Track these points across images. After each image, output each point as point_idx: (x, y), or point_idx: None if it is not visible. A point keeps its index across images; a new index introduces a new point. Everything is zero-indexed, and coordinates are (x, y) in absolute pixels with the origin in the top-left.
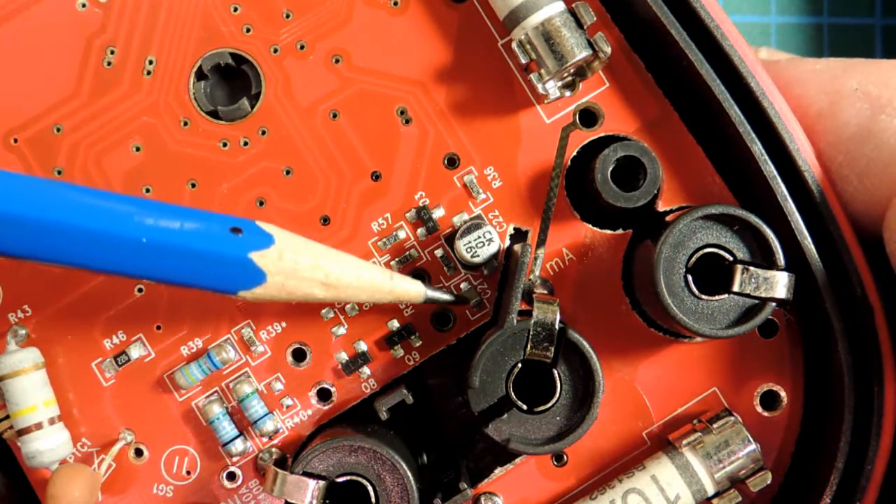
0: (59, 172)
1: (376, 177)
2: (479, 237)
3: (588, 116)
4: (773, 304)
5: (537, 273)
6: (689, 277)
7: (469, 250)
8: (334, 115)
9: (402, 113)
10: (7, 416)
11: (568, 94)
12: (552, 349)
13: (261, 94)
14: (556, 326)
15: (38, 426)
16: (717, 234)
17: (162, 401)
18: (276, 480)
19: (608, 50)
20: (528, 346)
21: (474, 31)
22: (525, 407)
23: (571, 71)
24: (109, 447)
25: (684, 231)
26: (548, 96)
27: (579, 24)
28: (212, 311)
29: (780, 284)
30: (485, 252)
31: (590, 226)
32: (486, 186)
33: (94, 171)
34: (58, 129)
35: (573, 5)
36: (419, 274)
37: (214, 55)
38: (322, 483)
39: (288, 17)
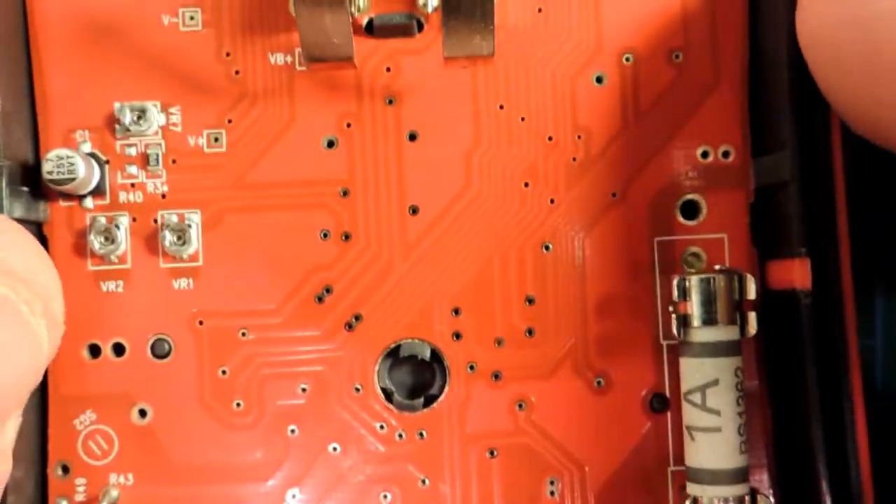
0: (224, 373)
1: None
2: None
3: None
4: None
5: None
6: None
7: None
8: (492, 454)
9: (552, 483)
10: None
11: None
12: None
13: (437, 399)
14: None
15: None
16: None
17: None
18: None
19: None
20: None
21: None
22: None
23: None
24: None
25: None
26: None
27: None
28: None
29: None
30: None
31: None
32: None
33: (254, 389)
34: (243, 334)
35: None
36: None
37: (416, 345)
38: None
39: (499, 344)
